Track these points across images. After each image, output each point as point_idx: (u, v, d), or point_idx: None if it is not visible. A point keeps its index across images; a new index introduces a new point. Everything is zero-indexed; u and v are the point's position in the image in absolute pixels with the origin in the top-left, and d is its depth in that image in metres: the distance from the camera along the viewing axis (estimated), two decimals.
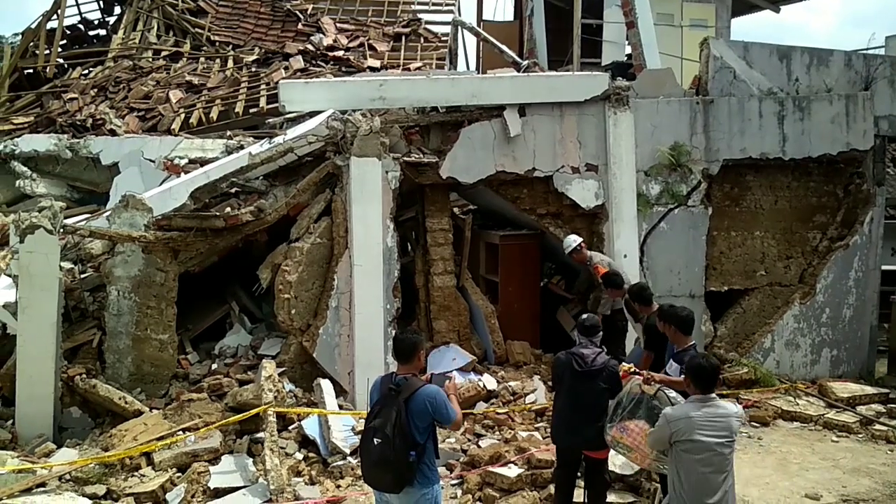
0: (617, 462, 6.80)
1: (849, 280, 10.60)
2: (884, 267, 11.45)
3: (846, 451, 8.20)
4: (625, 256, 9.77)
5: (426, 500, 4.95)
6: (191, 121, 12.31)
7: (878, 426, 8.72)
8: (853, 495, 7.15)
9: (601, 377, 5.96)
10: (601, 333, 6.23)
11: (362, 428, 7.62)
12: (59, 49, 15.60)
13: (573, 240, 9.29)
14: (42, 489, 6.67)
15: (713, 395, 4.94)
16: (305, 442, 7.69)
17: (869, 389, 9.71)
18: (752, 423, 8.88)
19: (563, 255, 9.57)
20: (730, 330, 10.43)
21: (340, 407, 8.29)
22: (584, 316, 6.37)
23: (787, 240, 10.63)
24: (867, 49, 11.87)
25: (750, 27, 61.67)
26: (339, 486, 7.02)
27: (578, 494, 6.35)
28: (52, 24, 15.70)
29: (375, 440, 4.84)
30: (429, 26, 15.38)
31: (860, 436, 8.62)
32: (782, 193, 10.59)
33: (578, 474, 6.31)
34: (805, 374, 10.46)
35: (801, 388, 9.78)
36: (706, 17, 15.71)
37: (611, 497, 6.64)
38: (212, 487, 6.80)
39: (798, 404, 9.35)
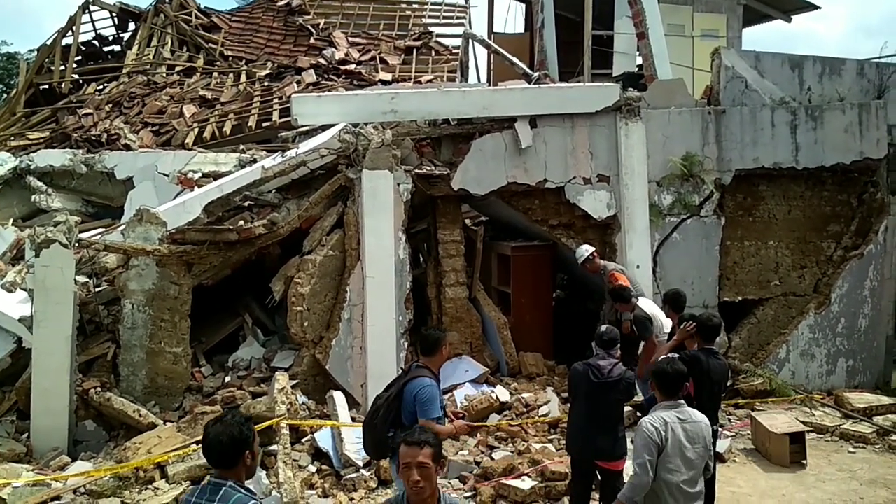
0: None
1: (864, 290, 10.52)
2: None
3: (863, 462, 8.12)
4: (637, 267, 9.75)
5: None
6: (204, 135, 12.40)
7: (895, 437, 8.63)
8: None
9: (617, 388, 5.94)
10: (619, 347, 6.23)
11: None
12: (75, 65, 15.78)
13: (585, 249, 9.28)
14: (57, 502, 6.71)
15: (681, 400, 4.78)
16: (318, 454, 7.69)
17: (885, 400, 9.61)
18: None
19: (575, 267, 9.56)
20: (744, 340, 10.36)
21: (353, 419, 8.28)
22: (604, 328, 6.33)
23: (801, 249, 10.57)
24: (880, 58, 11.78)
25: (760, 36, 61.75)
26: (352, 499, 7.02)
27: None
28: (68, 40, 15.90)
29: (372, 407, 5.40)
30: (440, 39, 15.45)
31: (877, 447, 8.53)
32: (796, 203, 10.54)
33: (593, 486, 6.28)
34: (821, 385, 10.38)
35: (816, 399, 9.72)
36: (717, 28, 15.70)
37: None
38: None
39: (814, 415, 9.27)
